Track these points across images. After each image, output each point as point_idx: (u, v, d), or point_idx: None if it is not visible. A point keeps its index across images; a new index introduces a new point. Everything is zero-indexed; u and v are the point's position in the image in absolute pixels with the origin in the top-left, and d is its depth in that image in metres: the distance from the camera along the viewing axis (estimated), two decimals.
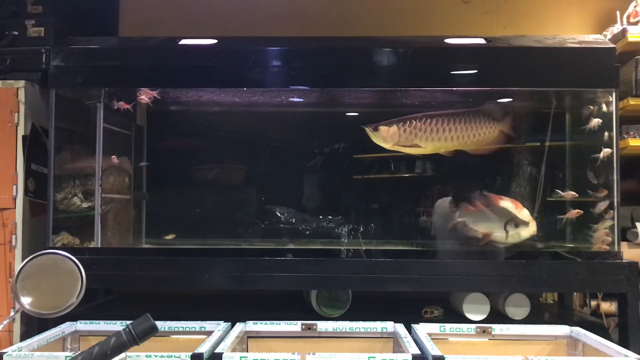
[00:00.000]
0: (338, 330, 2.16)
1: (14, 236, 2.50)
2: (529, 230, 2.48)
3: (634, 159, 2.80)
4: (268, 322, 2.19)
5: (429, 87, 2.59)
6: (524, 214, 2.48)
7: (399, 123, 2.52)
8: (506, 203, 2.51)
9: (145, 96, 2.52)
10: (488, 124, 2.58)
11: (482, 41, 2.61)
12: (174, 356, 1.76)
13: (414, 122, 2.52)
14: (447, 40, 2.61)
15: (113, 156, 2.61)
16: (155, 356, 1.75)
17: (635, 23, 2.84)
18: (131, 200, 2.91)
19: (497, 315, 2.45)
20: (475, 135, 2.57)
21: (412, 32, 3.11)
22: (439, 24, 3.17)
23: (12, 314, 1.39)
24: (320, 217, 2.91)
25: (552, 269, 2.33)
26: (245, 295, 2.83)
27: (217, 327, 2.12)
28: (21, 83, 2.56)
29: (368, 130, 2.54)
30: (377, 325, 2.15)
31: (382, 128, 2.52)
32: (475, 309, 2.43)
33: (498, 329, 2.15)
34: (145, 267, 2.40)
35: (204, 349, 1.80)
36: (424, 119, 2.53)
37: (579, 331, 2.08)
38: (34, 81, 2.62)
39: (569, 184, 2.73)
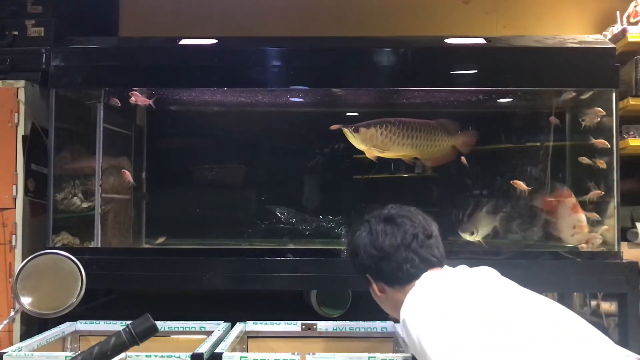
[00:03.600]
0: (338, 330, 2.16)
1: (14, 236, 2.50)
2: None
3: (634, 159, 2.80)
4: (268, 322, 2.19)
5: (428, 87, 2.59)
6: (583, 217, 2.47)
7: (377, 125, 2.50)
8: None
9: (140, 102, 2.54)
10: (444, 138, 2.58)
11: (482, 41, 2.61)
12: (174, 356, 1.76)
13: (390, 126, 2.51)
14: (447, 40, 2.61)
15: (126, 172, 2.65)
16: (155, 356, 1.75)
17: (635, 23, 2.84)
18: (131, 200, 2.91)
19: None
20: (433, 146, 2.57)
21: (412, 32, 3.11)
22: (439, 24, 3.17)
23: (12, 314, 1.39)
24: (320, 217, 2.91)
25: (552, 269, 2.33)
26: (245, 295, 2.83)
27: (217, 327, 2.12)
28: (21, 83, 2.56)
29: (347, 131, 2.50)
30: (377, 325, 2.15)
31: (362, 129, 2.49)
32: None
33: None
34: (145, 267, 2.40)
35: (204, 349, 1.80)
36: (397, 123, 2.52)
37: None
38: (34, 81, 2.62)
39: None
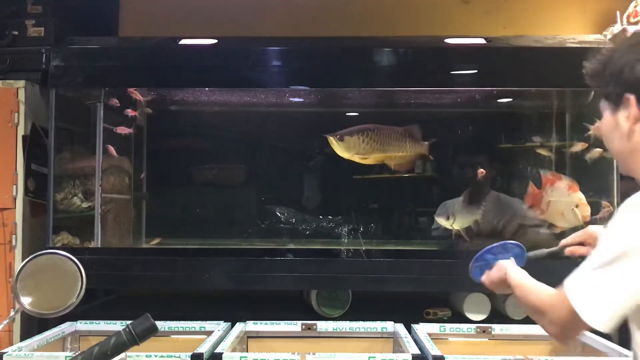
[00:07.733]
0: (338, 330, 2.16)
1: (14, 236, 2.50)
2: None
3: None
4: (268, 322, 2.19)
5: (428, 87, 2.59)
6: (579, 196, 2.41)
7: (358, 133, 2.52)
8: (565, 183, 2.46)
9: (120, 131, 2.58)
10: (412, 144, 2.61)
11: (482, 41, 2.61)
12: (174, 356, 1.76)
13: (370, 133, 2.53)
14: (447, 40, 2.61)
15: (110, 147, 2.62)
16: (155, 356, 1.76)
17: (635, 23, 2.83)
18: (131, 200, 2.91)
19: (497, 315, 2.45)
20: (402, 153, 2.61)
21: (412, 32, 3.11)
22: (439, 24, 3.16)
23: (12, 314, 1.39)
24: (320, 217, 2.91)
25: (552, 268, 2.32)
26: (245, 295, 2.83)
27: (217, 327, 2.12)
28: (21, 83, 2.56)
29: (332, 139, 2.51)
30: (377, 325, 2.16)
31: (347, 138, 2.51)
32: (476, 309, 2.43)
33: (498, 329, 2.16)
34: (145, 267, 2.41)
35: (204, 349, 1.80)
36: (375, 130, 2.54)
37: None
38: (34, 81, 2.61)
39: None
